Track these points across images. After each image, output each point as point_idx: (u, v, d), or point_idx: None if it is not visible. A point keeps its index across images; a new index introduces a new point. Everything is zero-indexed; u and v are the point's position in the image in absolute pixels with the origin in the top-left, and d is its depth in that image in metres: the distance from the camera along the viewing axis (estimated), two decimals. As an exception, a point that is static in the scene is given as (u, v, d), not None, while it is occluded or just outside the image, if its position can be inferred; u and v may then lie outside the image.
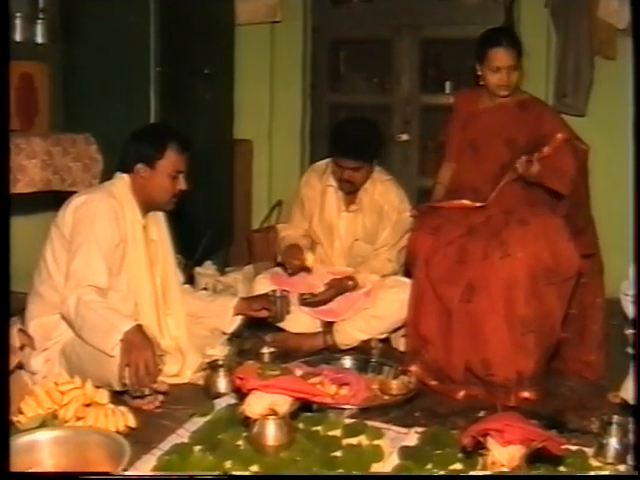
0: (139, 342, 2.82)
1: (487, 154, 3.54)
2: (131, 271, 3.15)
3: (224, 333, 3.44)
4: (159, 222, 3.32)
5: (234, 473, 2.42)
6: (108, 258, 3.02)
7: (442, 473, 2.46)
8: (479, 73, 3.53)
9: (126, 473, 2.24)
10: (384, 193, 3.92)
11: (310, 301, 3.83)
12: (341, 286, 3.85)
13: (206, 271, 4.61)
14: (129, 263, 3.14)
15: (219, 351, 3.27)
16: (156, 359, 2.84)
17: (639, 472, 2.33)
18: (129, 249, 3.13)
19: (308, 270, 3.87)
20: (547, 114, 3.59)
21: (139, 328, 2.88)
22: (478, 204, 3.46)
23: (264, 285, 3.83)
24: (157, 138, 3.18)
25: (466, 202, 3.49)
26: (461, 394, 3.25)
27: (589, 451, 2.59)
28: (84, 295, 2.89)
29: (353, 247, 3.99)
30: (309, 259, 3.84)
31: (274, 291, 3.59)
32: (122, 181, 3.18)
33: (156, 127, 3.43)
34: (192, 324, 3.35)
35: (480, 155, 3.56)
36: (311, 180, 4.04)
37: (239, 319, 3.47)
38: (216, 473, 2.40)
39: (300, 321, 3.82)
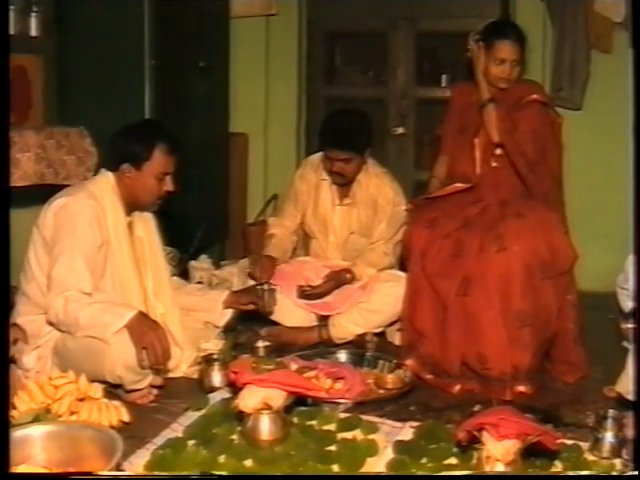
0: (148, 324, 2.86)
1: (479, 144, 3.52)
2: (117, 271, 3.11)
3: (216, 326, 3.42)
4: (145, 218, 3.27)
5: (227, 467, 2.41)
6: (91, 262, 2.97)
7: (437, 467, 2.45)
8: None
9: (119, 473, 2.23)
10: (378, 186, 3.91)
11: (309, 293, 3.82)
12: (339, 278, 3.84)
13: (201, 265, 4.59)
14: (114, 263, 3.09)
15: (213, 345, 3.26)
16: (167, 336, 2.87)
17: (639, 471, 2.33)
18: (113, 249, 3.09)
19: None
20: (529, 84, 3.60)
21: (142, 313, 2.91)
22: (468, 185, 3.47)
23: None
24: (145, 138, 3.10)
25: (459, 185, 3.49)
26: (456, 388, 3.24)
27: (584, 445, 2.58)
28: (71, 296, 2.87)
29: (348, 241, 3.98)
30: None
31: (261, 284, 3.57)
32: (105, 179, 3.12)
33: (145, 126, 3.33)
34: (184, 317, 3.33)
35: (473, 145, 3.55)
36: (305, 174, 4.03)
37: (230, 312, 3.47)
38: (209, 468, 2.39)
39: (295, 315, 3.81)
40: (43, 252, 3.01)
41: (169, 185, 3.14)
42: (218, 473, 2.37)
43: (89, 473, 2.18)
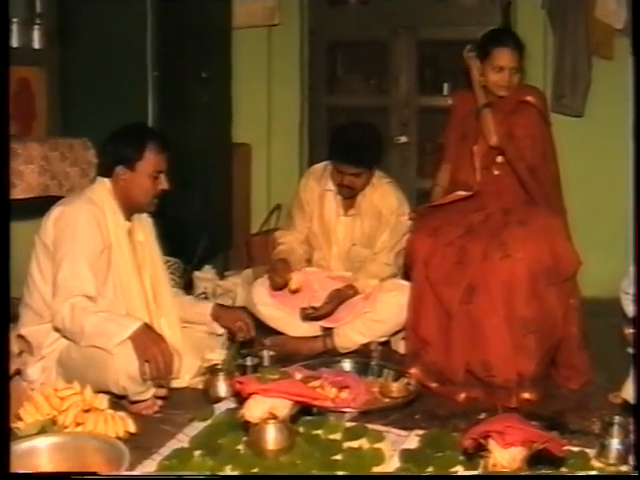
0: (152, 337, 2.88)
1: (479, 151, 3.51)
2: (119, 276, 3.12)
3: (219, 335, 3.41)
4: (144, 223, 3.29)
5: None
6: (93, 266, 3.00)
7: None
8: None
9: (121, 474, 2.23)
10: (383, 196, 3.89)
11: (313, 315, 3.79)
12: (341, 296, 3.82)
13: (205, 275, 4.60)
14: (116, 268, 3.11)
15: (218, 355, 3.26)
16: (170, 350, 2.89)
17: (639, 472, 2.33)
18: (114, 254, 3.11)
19: (294, 292, 3.80)
20: (526, 87, 3.60)
21: (147, 325, 2.92)
22: (470, 193, 3.48)
23: (262, 293, 3.85)
24: (135, 139, 3.15)
25: (461, 193, 3.50)
26: (462, 396, 3.24)
27: (590, 452, 2.58)
28: (78, 303, 2.89)
29: (351, 252, 3.97)
30: (293, 283, 3.77)
31: (245, 358, 3.34)
32: (102, 186, 3.15)
33: (133, 128, 3.33)
34: (188, 327, 3.34)
35: (472, 153, 3.54)
36: (309, 184, 4.00)
37: None
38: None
39: (299, 325, 3.81)
40: (45, 260, 3.03)
41: (164, 183, 3.17)
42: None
43: (91, 473, 2.18)
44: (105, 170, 3.17)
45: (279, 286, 3.81)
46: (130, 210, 3.19)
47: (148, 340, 2.85)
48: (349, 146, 3.75)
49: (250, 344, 3.44)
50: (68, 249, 2.96)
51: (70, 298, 2.89)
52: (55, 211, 3.05)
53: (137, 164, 3.11)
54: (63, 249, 2.97)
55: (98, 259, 3.03)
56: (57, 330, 2.99)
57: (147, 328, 2.90)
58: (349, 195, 3.89)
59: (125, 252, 3.15)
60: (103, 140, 3.20)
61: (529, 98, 3.48)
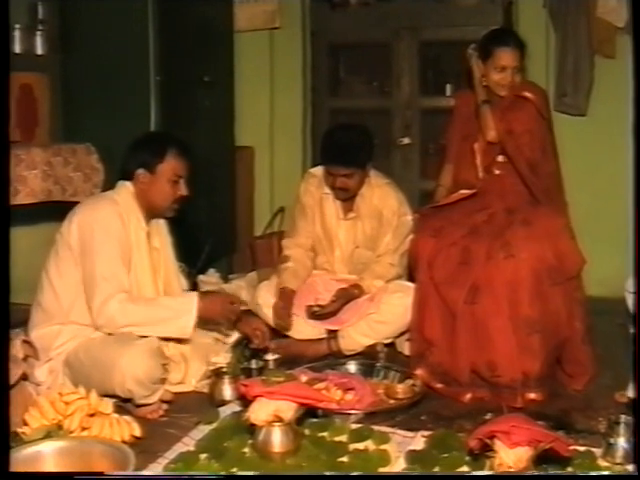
0: (213, 299, 3.16)
1: (479, 149, 3.52)
2: (136, 278, 3.14)
3: (225, 342, 3.41)
4: (161, 229, 3.31)
5: None
6: (124, 260, 3.04)
7: (449, 476, 2.46)
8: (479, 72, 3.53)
9: (123, 473, 2.23)
10: (382, 197, 3.88)
11: (319, 313, 3.80)
12: (347, 295, 3.82)
13: (209, 279, 4.60)
14: (134, 271, 3.13)
15: (223, 358, 3.26)
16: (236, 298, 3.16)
17: (639, 472, 2.32)
18: (134, 256, 3.13)
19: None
20: (525, 82, 3.61)
21: (201, 294, 3.13)
22: (473, 191, 3.48)
23: (266, 296, 3.84)
24: (157, 143, 3.20)
25: (463, 192, 3.50)
26: (467, 397, 3.23)
27: (597, 451, 2.57)
28: (123, 299, 2.95)
29: (354, 254, 3.96)
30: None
31: (250, 361, 3.36)
32: (125, 189, 3.17)
33: (156, 133, 3.43)
34: (196, 331, 3.33)
35: (473, 151, 3.54)
36: (309, 188, 3.99)
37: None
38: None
39: (304, 328, 3.80)
40: (66, 259, 3.04)
41: (183, 189, 3.19)
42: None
43: (93, 473, 2.19)
44: (127, 174, 3.19)
45: (285, 331, 3.80)
46: (149, 214, 3.21)
47: (213, 304, 3.08)
48: (336, 147, 3.76)
49: (263, 351, 3.42)
50: (99, 246, 2.99)
51: (112, 296, 2.94)
52: (80, 210, 3.08)
53: (158, 167, 3.14)
54: (93, 247, 2.99)
55: (126, 255, 3.07)
56: (97, 329, 3.00)
57: (203, 295, 3.10)
58: (344, 197, 3.87)
59: (143, 255, 3.18)
60: (127, 146, 3.22)
61: (526, 94, 3.49)
